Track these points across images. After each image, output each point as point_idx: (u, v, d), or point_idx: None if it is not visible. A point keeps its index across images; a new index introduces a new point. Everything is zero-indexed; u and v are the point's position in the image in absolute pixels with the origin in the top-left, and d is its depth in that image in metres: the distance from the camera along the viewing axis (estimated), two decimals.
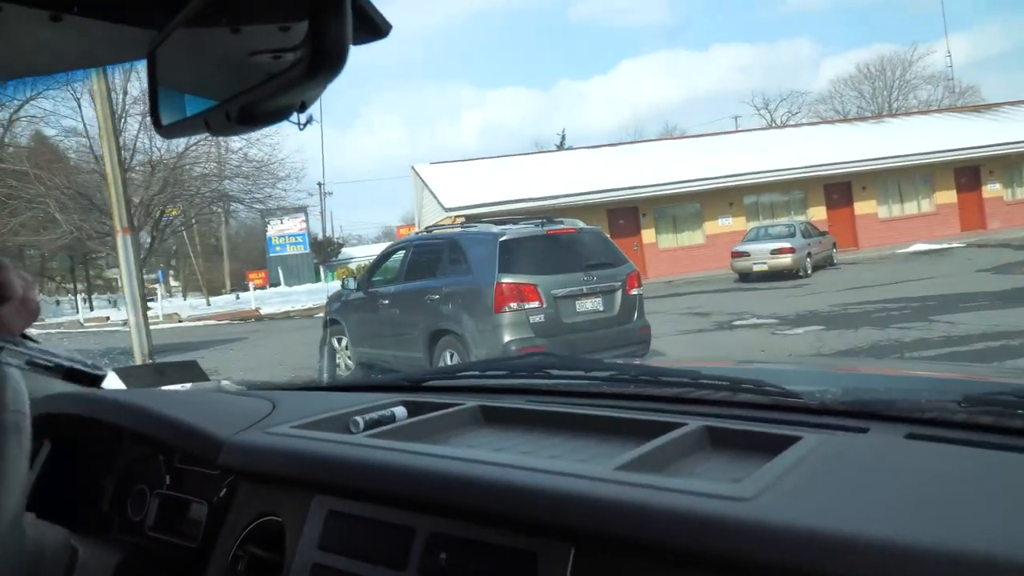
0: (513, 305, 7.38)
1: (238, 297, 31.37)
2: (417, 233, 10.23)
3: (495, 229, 8.00)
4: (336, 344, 10.10)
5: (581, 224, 8.44)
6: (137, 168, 26.22)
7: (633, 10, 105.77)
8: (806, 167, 25.57)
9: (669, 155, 27.00)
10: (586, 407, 1.25)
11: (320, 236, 48.41)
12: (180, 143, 25.72)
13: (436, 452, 1.04)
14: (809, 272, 19.57)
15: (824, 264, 21.22)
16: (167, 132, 0.68)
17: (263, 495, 1.17)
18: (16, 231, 26.48)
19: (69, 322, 23.04)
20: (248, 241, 55.03)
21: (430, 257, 8.70)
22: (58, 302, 53.39)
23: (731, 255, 20.61)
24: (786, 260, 19.19)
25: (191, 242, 40.25)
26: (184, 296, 46.16)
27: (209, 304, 31.06)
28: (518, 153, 30.43)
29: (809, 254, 19.82)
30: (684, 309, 15.13)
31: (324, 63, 0.51)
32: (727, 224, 26.09)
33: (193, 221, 29.73)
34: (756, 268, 19.55)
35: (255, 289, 32.77)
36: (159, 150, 25.58)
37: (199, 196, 25.85)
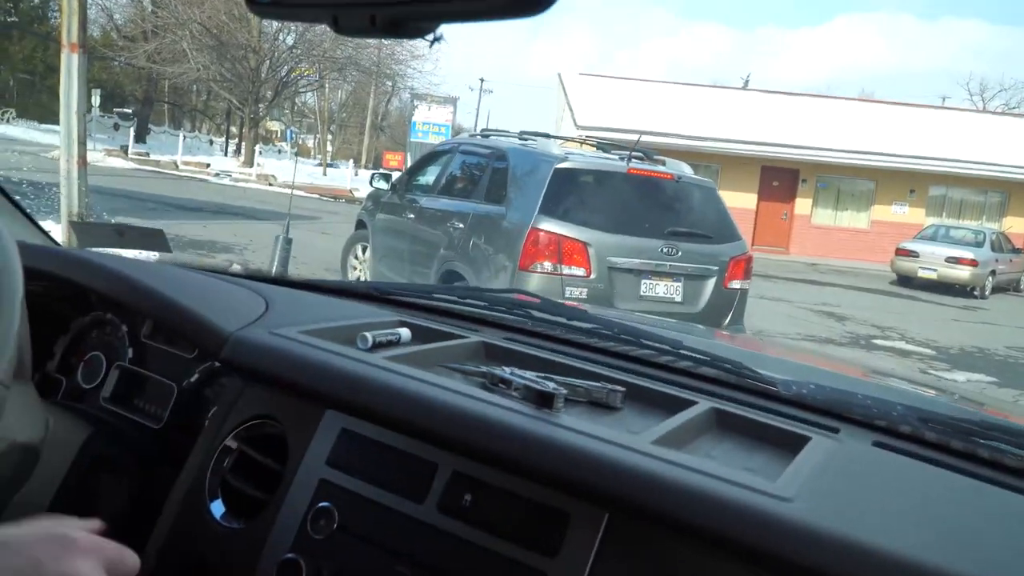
0: (547, 265, 5.01)
1: (356, 174, 30.11)
2: (471, 135, 7.85)
3: (556, 149, 5.57)
4: (358, 254, 8.06)
5: (686, 169, 5.85)
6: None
7: None
8: (1015, 167, 21.41)
9: (851, 118, 23.19)
10: (571, 358, 1.23)
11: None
12: None
13: (459, 389, 1.00)
14: (988, 294, 16.23)
15: (1008, 287, 17.74)
16: (263, 10, 0.61)
17: (263, 397, 1.12)
18: (151, 57, 25.92)
19: (167, 161, 22.28)
20: (401, 123, 55.75)
21: (472, 169, 6.40)
22: (211, 142, 54.94)
23: (896, 251, 17.58)
24: (963, 273, 15.92)
25: (320, 109, 39.43)
26: (315, 160, 46.01)
27: (325, 174, 30.02)
28: (680, 82, 27.06)
29: (993, 272, 16.45)
30: (817, 304, 12.36)
31: None
32: (901, 213, 22.41)
33: (325, 84, 28.67)
34: (923, 274, 16.45)
35: (382, 170, 31.44)
36: None
37: (327, 58, 24.61)
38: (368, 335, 1.18)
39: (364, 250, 7.97)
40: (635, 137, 6.05)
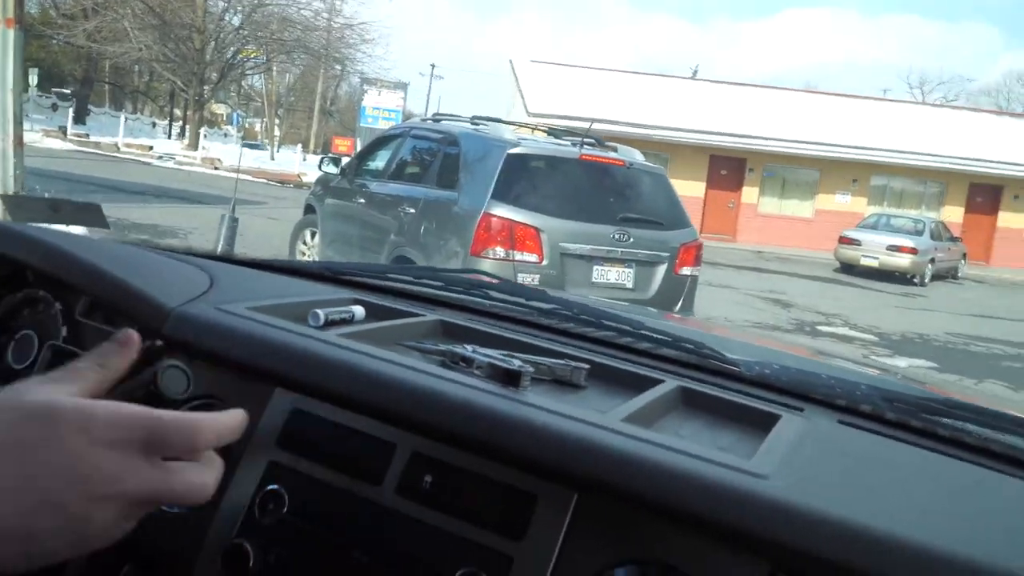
0: (499, 251, 4.99)
1: (305, 159, 29.64)
2: (423, 120, 7.76)
3: (508, 135, 5.54)
4: (307, 239, 7.94)
5: (638, 156, 5.87)
6: None
7: None
8: (953, 158, 22.09)
9: (797, 109, 23.58)
10: (531, 338, 1.20)
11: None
12: None
13: (418, 366, 0.95)
14: (927, 281, 16.65)
15: (946, 275, 18.23)
16: None
17: (207, 376, 1.03)
18: (91, 36, 25.11)
19: (108, 143, 21.63)
20: (351, 108, 55.07)
21: (424, 154, 6.34)
22: (154, 124, 53.53)
23: (839, 239, 17.98)
24: (903, 261, 16.34)
25: (267, 92, 38.75)
26: (263, 144, 45.26)
27: (273, 159, 29.51)
28: (631, 71, 27.19)
29: (933, 260, 16.91)
30: (764, 291, 12.58)
31: None
32: (844, 202, 22.93)
33: (272, 67, 28.11)
34: (865, 262, 16.84)
35: (331, 154, 30.98)
36: None
37: (274, 41, 24.10)
38: (320, 312, 1.13)
39: (313, 235, 7.85)
40: (586, 124, 6.06)
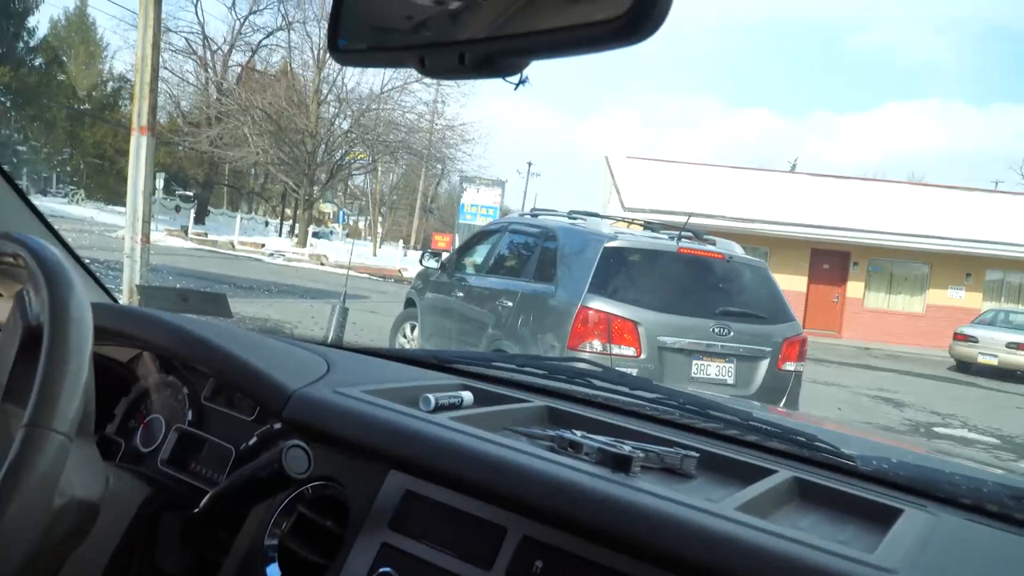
0: (596, 344, 4.97)
1: (406, 254, 30.59)
2: (521, 215, 7.93)
3: (605, 228, 5.59)
4: (407, 332, 8.10)
5: (737, 249, 5.81)
6: (331, 102, 26.05)
7: (916, 48, 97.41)
8: None
9: (902, 201, 22.94)
10: (638, 426, 1.19)
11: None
12: (374, 82, 25.27)
13: (527, 449, 0.95)
14: None
15: None
16: (345, 58, 0.63)
17: (325, 457, 1.06)
18: (213, 142, 26.99)
19: (224, 242, 22.94)
20: (451, 206, 56.98)
21: (521, 249, 6.44)
22: (267, 223, 56.48)
23: (953, 336, 17.14)
24: None
25: (372, 191, 40.43)
26: (366, 241, 46.96)
27: (375, 255, 30.55)
28: (729, 165, 27.17)
29: None
30: (873, 389, 12.00)
31: (645, 21, 0.48)
32: (958, 297, 21.88)
33: (377, 168, 29.48)
34: (982, 360, 15.96)
35: (431, 250, 31.95)
36: (354, 85, 25.19)
37: (380, 142, 25.35)
38: (431, 396, 1.16)
39: (413, 328, 8.01)
40: (682, 219, 6.06)
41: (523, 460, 0.92)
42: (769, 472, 1.02)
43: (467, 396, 1.24)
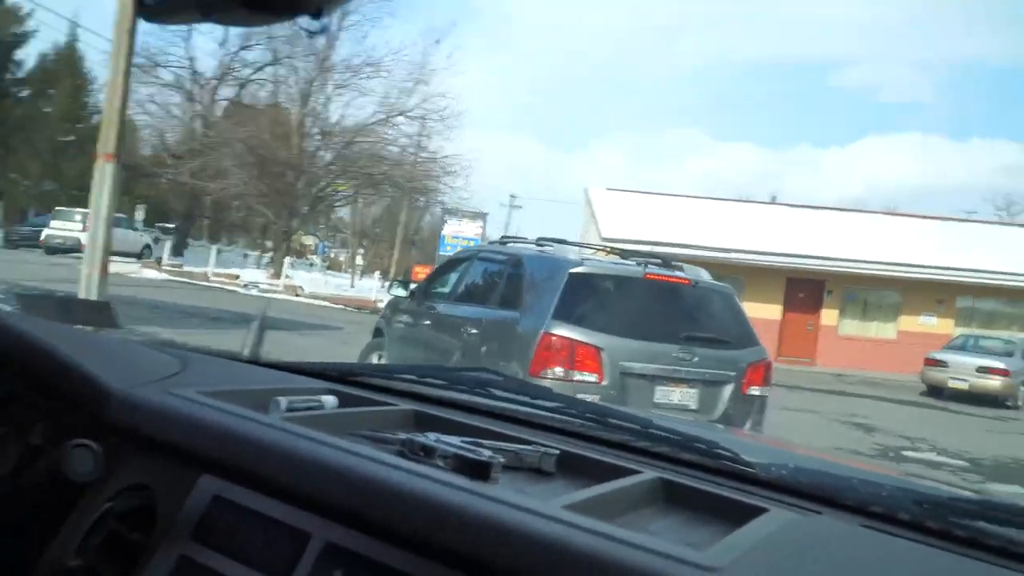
0: (558, 371, 4.98)
1: (382, 286, 30.52)
2: (490, 243, 7.97)
3: (572, 255, 5.62)
4: (373, 362, 8.07)
5: (704, 275, 5.85)
6: (315, 134, 26.13)
7: (896, 87, 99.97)
8: None
9: (877, 231, 23.26)
10: (505, 428, 1.15)
11: None
12: (359, 115, 25.38)
13: (361, 452, 0.89)
14: (1021, 404, 15.75)
15: None
16: (153, 15, 0.62)
17: (144, 463, 1.01)
18: (195, 174, 26.88)
19: (198, 273, 22.79)
20: (433, 238, 56.98)
21: (489, 276, 6.46)
22: (246, 255, 56.16)
23: (924, 361, 17.33)
24: (995, 383, 15.67)
25: (353, 223, 40.41)
26: (346, 273, 46.82)
27: (353, 286, 30.47)
28: (708, 197, 27.40)
29: None
30: (844, 415, 12.10)
31: None
32: (929, 324, 22.14)
33: (359, 200, 29.50)
34: (953, 384, 16.14)
35: (399, 279, 31.95)
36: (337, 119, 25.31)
37: (363, 175, 25.42)
38: (283, 399, 1.08)
39: (380, 358, 7.98)
40: (659, 249, 6.12)
41: (330, 458, 0.87)
42: (630, 472, 0.98)
43: (330, 400, 1.18)
